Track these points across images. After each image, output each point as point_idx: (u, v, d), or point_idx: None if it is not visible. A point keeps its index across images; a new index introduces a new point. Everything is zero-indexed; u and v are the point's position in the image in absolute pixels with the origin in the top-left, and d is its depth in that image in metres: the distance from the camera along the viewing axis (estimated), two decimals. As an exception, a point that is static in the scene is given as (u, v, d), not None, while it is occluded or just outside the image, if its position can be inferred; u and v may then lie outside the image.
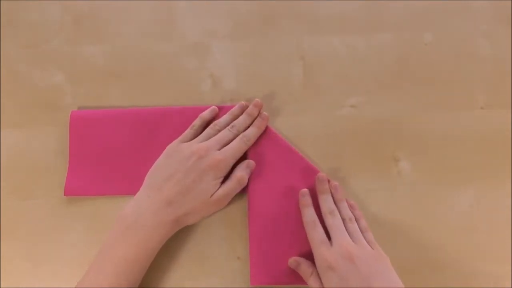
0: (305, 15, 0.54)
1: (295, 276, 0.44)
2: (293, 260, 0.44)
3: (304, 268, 0.43)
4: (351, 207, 0.46)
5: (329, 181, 0.46)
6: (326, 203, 0.45)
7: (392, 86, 0.52)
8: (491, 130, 0.50)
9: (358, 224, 0.45)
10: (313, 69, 0.52)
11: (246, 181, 0.46)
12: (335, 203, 0.46)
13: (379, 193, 0.48)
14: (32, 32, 0.54)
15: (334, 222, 0.43)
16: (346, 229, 0.43)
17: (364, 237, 0.43)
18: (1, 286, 0.47)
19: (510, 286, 0.46)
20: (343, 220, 0.44)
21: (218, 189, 0.45)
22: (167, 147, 0.46)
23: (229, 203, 0.48)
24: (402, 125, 0.50)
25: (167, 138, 0.47)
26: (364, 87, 0.52)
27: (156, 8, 0.55)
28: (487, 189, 0.48)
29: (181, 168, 0.44)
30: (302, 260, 0.44)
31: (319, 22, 0.54)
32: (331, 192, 0.46)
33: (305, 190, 0.46)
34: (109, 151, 0.49)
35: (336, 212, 0.44)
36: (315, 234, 0.43)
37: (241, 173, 0.46)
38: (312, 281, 0.42)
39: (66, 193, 0.48)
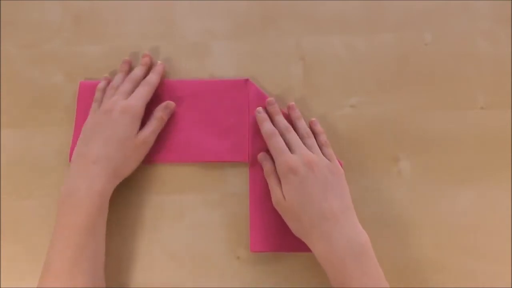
0: (305, 15, 0.54)
1: (293, 244, 0.44)
2: (262, 155, 0.47)
3: (269, 165, 0.46)
4: (312, 123, 0.49)
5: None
6: (280, 122, 0.47)
7: (392, 86, 0.52)
8: (491, 130, 0.50)
9: (318, 139, 0.48)
10: (313, 69, 0.52)
11: (166, 120, 0.49)
12: (293, 121, 0.48)
13: (379, 193, 0.48)
14: (32, 32, 0.54)
15: (291, 138, 0.46)
16: (304, 144, 0.46)
17: (323, 151, 0.46)
18: (1, 286, 0.47)
19: (510, 286, 0.46)
20: (301, 136, 0.47)
21: (142, 130, 0.47)
22: (82, 128, 0.47)
23: (229, 203, 0.48)
24: (402, 125, 0.50)
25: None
26: (364, 87, 0.52)
27: (156, 8, 0.55)
28: (487, 189, 0.48)
29: (96, 129, 0.45)
30: (269, 158, 0.47)
31: (319, 22, 0.54)
32: (289, 112, 0.49)
33: (260, 108, 0.48)
34: None
35: (291, 128, 0.47)
36: (276, 142, 0.45)
37: (160, 113, 0.48)
38: (272, 179, 0.45)
39: (71, 160, 0.48)
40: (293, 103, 0.49)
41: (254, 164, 0.48)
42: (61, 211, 0.42)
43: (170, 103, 0.49)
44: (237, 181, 0.49)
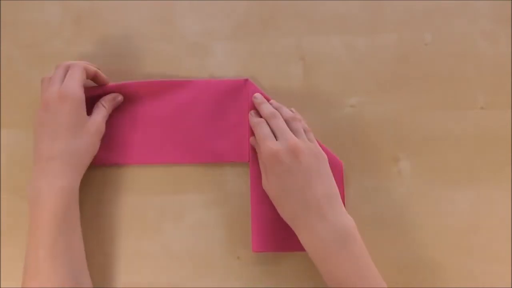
0: (305, 15, 0.54)
1: (296, 243, 0.44)
2: (253, 139, 0.48)
3: (259, 150, 0.46)
4: (291, 111, 0.48)
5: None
6: (267, 109, 0.47)
7: (392, 86, 0.52)
8: (491, 130, 0.50)
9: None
10: (313, 69, 0.52)
11: (110, 110, 0.48)
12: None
13: (379, 193, 0.48)
14: (32, 32, 0.54)
15: (277, 123, 0.45)
16: (290, 128, 0.45)
17: (307, 137, 0.46)
18: (1, 286, 0.47)
19: (510, 286, 0.46)
20: (286, 120, 0.46)
21: (92, 117, 0.46)
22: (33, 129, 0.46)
23: (229, 203, 0.48)
24: (402, 125, 0.50)
25: (168, 110, 0.50)
26: (364, 87, 0.52)
27: (156, 8, 0.55)
28: (487, 189, 0.48)
29: (42, 128, 0.44)
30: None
31: (319, 22, 0.54)
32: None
33: (253, 111, 0.49)
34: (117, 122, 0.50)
35: (278, 114, 0.47)
36: (261, 130, 0.45)
37: (107, 104, 0.48)
38: (261, 163, 0.46)
39: None
40: (272, 100, 0.49)
41: (254, 164, 0.48)
42: (31, 213, 0.42)
43: (119, 96, 0.49)
44: (237, 181, 0.49)
